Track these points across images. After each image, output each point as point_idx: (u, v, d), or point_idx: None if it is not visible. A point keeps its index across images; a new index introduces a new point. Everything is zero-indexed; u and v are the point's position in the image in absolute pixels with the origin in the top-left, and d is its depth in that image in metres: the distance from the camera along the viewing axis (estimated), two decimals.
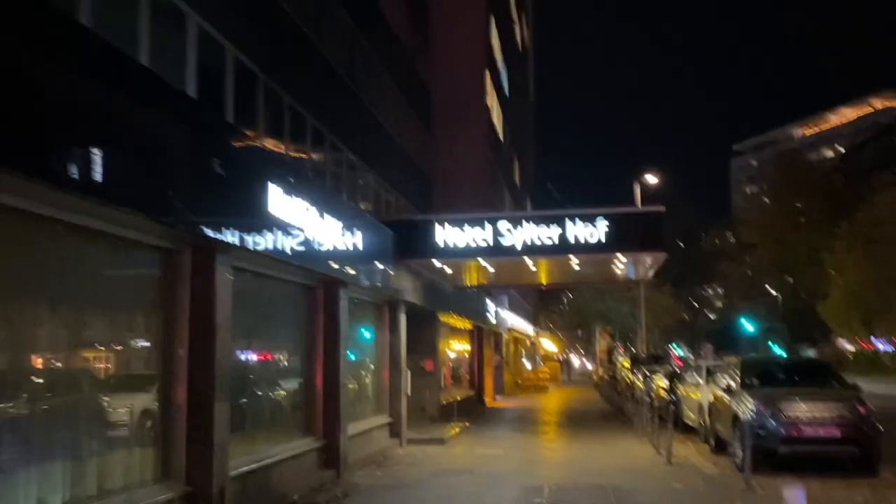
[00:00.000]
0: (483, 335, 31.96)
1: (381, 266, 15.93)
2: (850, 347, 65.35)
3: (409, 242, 16.32)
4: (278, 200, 9.80)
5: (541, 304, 69.51)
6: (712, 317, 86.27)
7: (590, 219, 15.89)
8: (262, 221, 9.43)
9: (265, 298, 11.36)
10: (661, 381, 26.20)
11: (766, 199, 76.74)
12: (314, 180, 13.62)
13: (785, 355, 55.10)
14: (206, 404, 8.37)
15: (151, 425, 8.33)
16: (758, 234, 70.63)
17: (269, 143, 13.16)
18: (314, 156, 16.47)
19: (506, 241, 16.07)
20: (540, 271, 19.90)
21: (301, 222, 10.59)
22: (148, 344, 8.47)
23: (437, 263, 17.41)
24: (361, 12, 20.31)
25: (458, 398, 25.60)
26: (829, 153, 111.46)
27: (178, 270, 8.42)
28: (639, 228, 15.92)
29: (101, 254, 7.60)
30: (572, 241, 15.85)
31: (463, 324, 27.81)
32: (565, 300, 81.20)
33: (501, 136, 43.12)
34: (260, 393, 11.29)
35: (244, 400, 10.62)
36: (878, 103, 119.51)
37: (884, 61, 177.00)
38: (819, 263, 59.74)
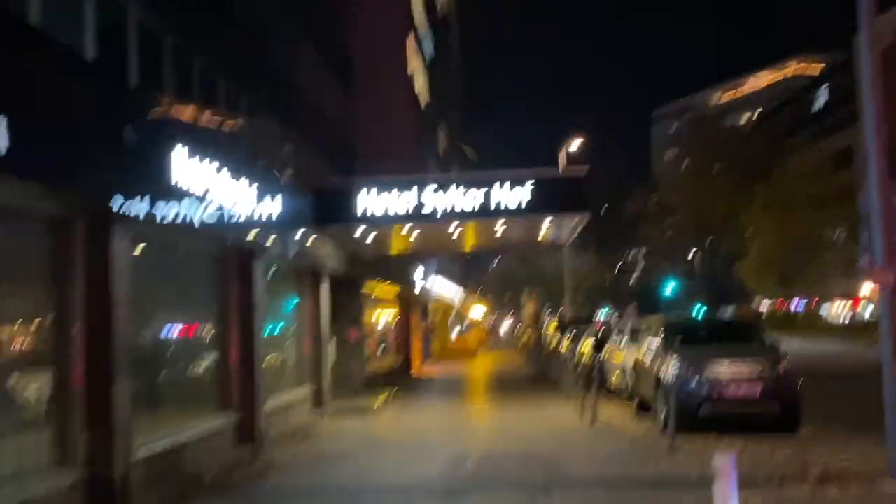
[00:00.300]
0: (410, 303, 31.64)
1: (300, 234, 15.37)
2: (766, 306, 67.41)
3: (330, 209, 15.72)
4: (183, 165, 9.15)
5: (469, 270, 69.58)
6: (634, 279, 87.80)
7: (517, 182, 15.58)
8: (165, 187, 8.80)
9: (173, 269, 10.75)
10: (587, 344, 26.37)
11: (685, 163, 78.09)
12: (224, 144, 12.89)
13: (701, 315, 56.55)
14: (104, 384, 7.81)
15: (47, 407, 7.73)
16: (677, 196, 71.96)
17: (174, 105, 12.41)
18: (227, 121, 15.72)
19: (428, 208, 15.64)
20: (464, 237, 19.56)
21: (209, 188, 9.97)
22: (41, 321, 7.82)
23: (358, 231, 16.89)
24: None
25: (386, 367, 25.31)
26: (746, 118, 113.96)
27: (70, 242, 7.77)
28: (563, 191, 15.67)
29: None
30: (495, 205, 15.53)
31: (389, 292, 27.42)
32: (492, 266, 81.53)
33: (426, 102, 42.59)
34: (170, 369, 10.71)
35: (152, 377, 10.04)
36: (794, 66, 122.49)
37: (801, 24, 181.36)
38: (737, 225, 61.19)
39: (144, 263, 9.47)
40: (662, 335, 15.33)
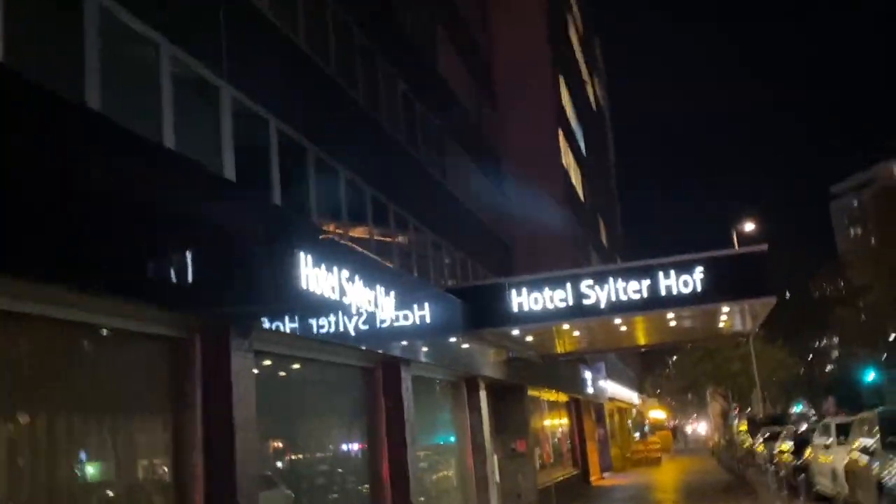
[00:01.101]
0: (581, 407, 29.78)
1: (451, 339, 14.42)
2: None
3: (481, 311, 14.75)
4: (310, 272, 8.44)
5: (644, 368, 66.31)
6: (830, 369, 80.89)
7: (683, 267, 14.04)
8: (291, 297, 8.09)
9: (308, 385, 9.99)
10: (785, 444, 23.50)
11: (874, 238, 72.29)
12: (358, 250, 12.30)
13: None
14: None
15: None
16: (869, 272, 66.15)
17: (309, 215, 11.99)
18: (377, 231, 15.32)
19: (589, 301, 14.33)
20: (633, 331, 17.97)
21: (343, 296, 9.21)
22: (159, 451, 7.13)
23: (514, 332, 15.76)
24: (417, 82, 19.37)
25: (560, 478, 23.51)
26: None
27: (186, 361, 7.11)
28: (740, 273, 13.94)
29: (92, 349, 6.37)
30: (664, 293, 14.01)
31: (557, 396, 25.83)
32: (670, 363, 77.46)
33: (582, 197, 41.54)
34: (310, 492, 9.79)
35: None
36: None
37: None
38: None
39: (274, 379, 8.73)
40: (879, 432, 12.97)
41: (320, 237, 9.14)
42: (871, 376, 61.55)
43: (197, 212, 7.08)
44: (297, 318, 8.57)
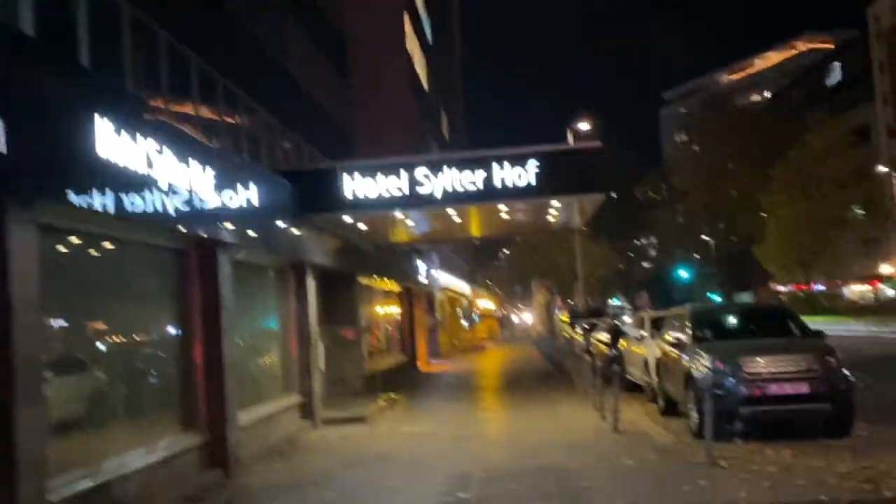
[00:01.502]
0: (413, 296, 29.98)
1: (280, 224, 13.70)
2: (784, 290, 65.42)
3: (313, 195, 14.05)
4: (111, 140, 7.45)
5: (476, 260, 67.88)
6: (647, 266, 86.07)
7: (519, 159, 13.85)
8: (83, 165, 7.11)
9: (115, 265, 9.08)
10: (602, 336, 24.69)
11: (696, 146, 76.13)
12: (174, 120, 11.21)
13: (719, 301, 54.73)
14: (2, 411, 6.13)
15: None
16: (689, 180, 70.01)
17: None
18: (204, 107, 14.08)
19: (424, 190, 13.93)
20: (467, 223, 17.86)
21: (152, 169, 8.27)
22: None
23: (348, 219, 15.21)
24: None
25: (388, 366, 23.66)
26: (757, 97, 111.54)
27: None
28: (573, 168, 13.93)
29: None
30: (499, 185, 13.82)
31: (389, 286, 25.75)
32: (502, 256, 79.81)
33: (426, 85, 40.84)
34: (113, 385, 9.02)
35: (88, 395, 8.39)
36: (803, 45, 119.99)
37: (807, 2, 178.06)
38: (752, 207, 59.18)
39: (67, 258, 7.81)
40: (690, 326, 13.59)
41: (125, 101, 8.08)
42: (683, 274, 65.98)
43: None
44: (98, 191, 7.59)
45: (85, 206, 7.55)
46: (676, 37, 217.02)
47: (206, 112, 14.49)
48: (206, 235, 10.39)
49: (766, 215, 56.66)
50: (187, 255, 10.53)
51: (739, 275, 70.41)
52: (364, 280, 21.04)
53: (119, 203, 8.07)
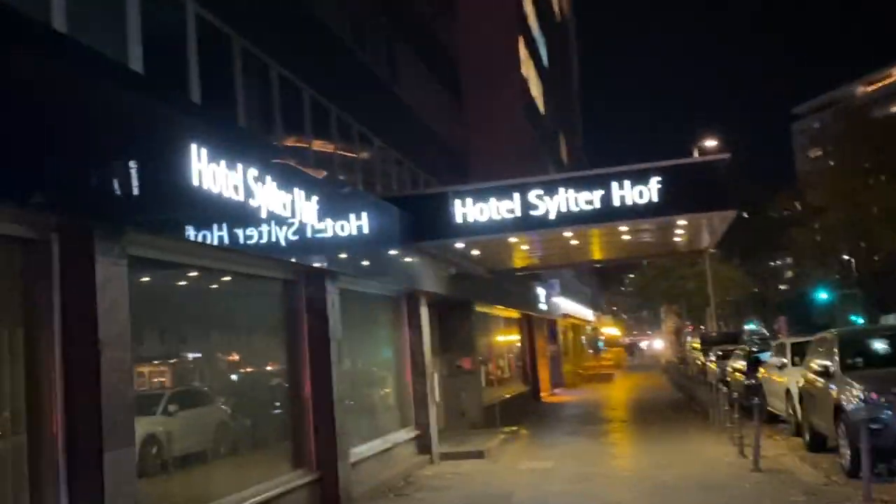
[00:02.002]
0: (534, 324, 29.18)
1: (391, 252, 13.35)
2: None
3: (422, 222, 13.68)
4: (204, 168, 7.22)
5: (601, 286, 66.32)
6: (783, 288, 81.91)
7: (639, 176, 13.03)
8: (177, 194, 6.89)
9: (217, 297, 8.88)
10: (738, 363, 23.13)
11: (832, 161, 72.03)
12: (287, 151, 11.04)
13: (863, 324, 51.12)
14: (90, 454, 5.87)
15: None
16: (826, 196, 66.08)
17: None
18: (318, 138, 14.01)
19: (538, 212, 13.30)
20: (586, 246, 17.05)
21: (249, 198, 8.02)
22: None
23: (459, 245, 14.72)
24: None
25: (508, 397, 22.95)
26: (892, 109, 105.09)
27: (41, 267, 5.93)
28: (699, 184, 12.96)
29: None
30: (619, 204, 13.02)
31: (508, 313, 25.08)
32: (627, 280, 77.69)
33: (542, 109, 40.20)
34: (222, 421, 8.79)
35: (193, 433, 8.15)
36: None
37: None
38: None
39: (158, 290, 7.62)
40: (838, 353, 12.28)
41: (224, 130, 7.86)
42: (823, 296, 62.20)
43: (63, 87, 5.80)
44: (195, 221, 7.37)
45: (190, 237, 7.34)
46: (804, 49, 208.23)
47: (318, 142, 14.41)
48: (313, 265, 10.07)
49: None
50: (295, 284, 10.25)
51: (884, 296, 65.77)
52: (481, 308, 20.48)
53: (221, 234, 7.84)
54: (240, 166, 7.78)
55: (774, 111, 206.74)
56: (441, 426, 17.89)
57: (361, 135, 16.93)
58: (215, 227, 7.72)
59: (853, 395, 10.91)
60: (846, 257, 68.06)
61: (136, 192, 6.28)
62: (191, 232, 7.37)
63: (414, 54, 21.85)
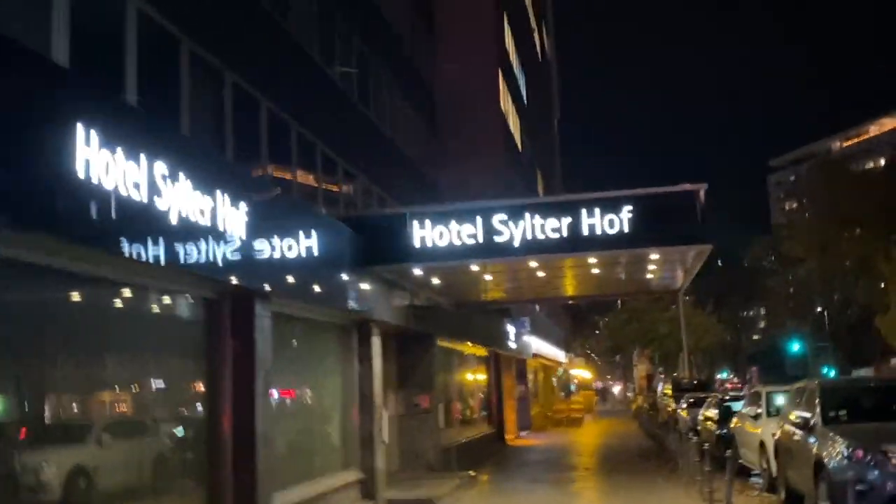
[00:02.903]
0: (501, 363, 28.02)
1: (343, 276, 12.28)
2: None
3: (377, 244, 12.64)
4: (93, 155, 6.11)
5: (573, 327, 65.33)
6: (756, 338, 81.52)
7: (610, 204, 12.11)
8: (51, 186, 5.78)
9: (113, 315, 7.70)
10: (709, 412, 22.08)
11: (808, 213, 72.00)
12: (187, 137, 9.90)
13: (834, 376, 50.39)
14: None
15: None
16: (802, 247, 65.85)
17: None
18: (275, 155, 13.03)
19: (501, 238, 12.30)
20: (553, 279, 16.05)
21: (154, 197, 6.92)
22: None
23: (416, 271, 13.66)
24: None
25: (470, 438, 21.75)
26: (871, 164, 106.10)
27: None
28: (674, 215, 12.04)
29: None
30: (587, 232, 12.06)
31: (474, 350, 23.94)
32: (600, 323, 76.87)
33: (519, 145, 39.47)
34: (122, 453, 7.57)
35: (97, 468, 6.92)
36: None
37: None
38: (872, 275, 54.82)
39: (58, 307, 6.48)
40: (819, 404, 11.27)
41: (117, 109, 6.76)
42: (796, 347, 61.66)
43: None
44: (84, 220, 6.25)
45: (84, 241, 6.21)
46: (780, 104, 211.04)
47: (275, 161, 13.41)
48: (238, 283, 8.95)
49: (885, 285, 52.24)
50: (217, 304, 9.09)
51: (857, 348, 65.32)
52: (444, 343, 19.34)
53: (127, 241, 6.71)
54: (143, 157, 6.69)
55: (750, 162, 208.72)
56: (395, 468, 16.67)
57: (324, 154, 15.95)
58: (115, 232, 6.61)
59: (837, 452, 9.88)
60: (819, 309, 67.70)
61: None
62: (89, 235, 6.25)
63: (389, 75, 21.01)
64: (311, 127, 14.83)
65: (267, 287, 9.55)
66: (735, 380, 63.59)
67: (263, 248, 9.58)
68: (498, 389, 27.34)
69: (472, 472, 17.42)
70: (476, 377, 25.14)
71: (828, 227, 63.25)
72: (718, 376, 66.75)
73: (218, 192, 8.03)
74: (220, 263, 8.39)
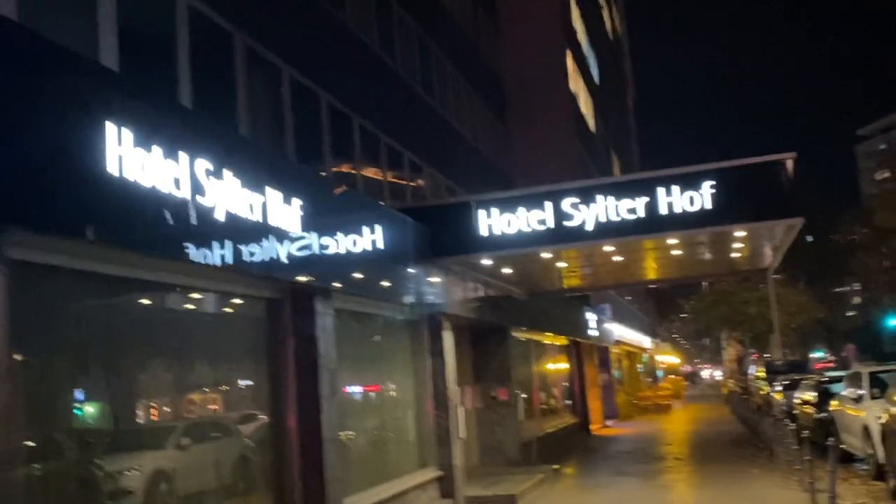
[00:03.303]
0: (583, 351, 27.26)
1: (409, 270, 11.87)
2: None
3: (442, 235, 12.16)
4: (127, 153, 5.79)
5: (658, 311, 63.77)
6: (851, 315, 78.12)
7: (690, 180, 11.34)
8: (83, 185, 5.48)
9: (163, 318, 7.43)
10: (807, 395, 20.91)
11: None
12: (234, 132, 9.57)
13: None
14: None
15: None
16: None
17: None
18: (328, 144, 12.73)
19: (573, 222, 11.66)
20: (633, 263, 15.29)
21: (197, 195, 6.59)
22: None
23: (485, 261, 13.13)
24: None
25: (552, 429, 21.15)
26: None
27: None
28: (760, 188, 11.17)
29: None
30: (666, 212, 11.32)
31: (552, 339, 23.28)
32: (686, 306, 74.90)
33: (592, 126, 38.47)
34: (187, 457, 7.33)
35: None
36: None
37: None
38: None
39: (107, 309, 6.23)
40: None
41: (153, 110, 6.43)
42: (893, 322, 58.85)
43: None
44: (121, 222, 5.94)
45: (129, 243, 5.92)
46: (869, 71, 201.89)
47: (338, 157, 13.11)
48: (299, 279, 8.59)
49: None
50: (281, 304, 8.76)
51: None
52: (520, 334, 18.77)
53: (170, 239, 6.40)
54: (182, 154, 6.35)
55: (837, 133, 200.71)
56: (475, 463, 16.23)
57: (388, 146, 15.60)
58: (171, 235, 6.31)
59: None
60: None
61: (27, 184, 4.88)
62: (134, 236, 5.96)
63: (452, 62, 20.52)
64: (372, 118, 14.49)
65: (329, 284, 9.18)
66: (832, 359, 60.97)
67: (325, 244, 9.23)
68: (580, 378, 26.61)
69: (555, 466, 16.84)
70: (557, 367, 24.49)
71: None
72: (812, 355, 64.14)
73: (267, 188, 7.66)
74: (281, 261, 8.06)
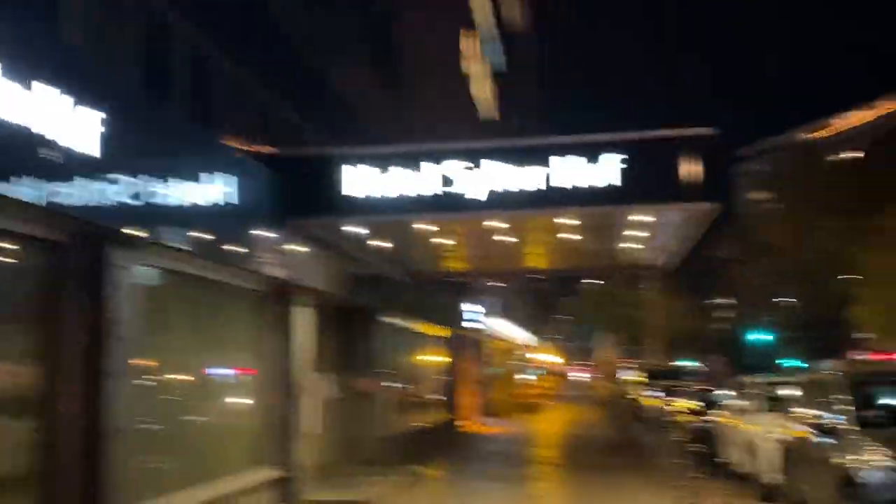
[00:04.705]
0: (459, 344, 25.66)
1: (257, 229, 9.85)
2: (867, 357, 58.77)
3: (298, 192, 10.19)
4: None
5: (540, 308, 63.35)
6: (720, 328, 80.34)
7: (595, 150, 9.79)
8: None
9: None
10: (691, 403, 19.90)
11: (780, 203, 70.63)
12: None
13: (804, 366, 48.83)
14: None
15: None
16: (772, 237, 64.40)
17: None
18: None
19: (454, 188, 9.93)
20: (521, 245, 13.61)
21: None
22: None
23: (348, 227, 11.23)
24: None
25: (420, 425, 19.44)
26: (843, 155, 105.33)
27: None
28: (672, 166, 9.68)
29: None
30: (564, 185, 9.74)
31: (426, 328, 21.55)
32: (568, 305, 75.22)
33: (497, 114, 37.11)
34: None
35: None
36: (885, 107, 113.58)
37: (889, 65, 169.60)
38: (846, 265, 53.32)
39: None
40: (851, 401, 9.06)
41: None
42: (762, 337, 60.30)
43: None
44: None
45: None
46: (749, 93, 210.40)
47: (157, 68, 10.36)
48: (89, 221, 6.46)
49: (860, 276, 50.70)
50: (66, 252, 6.58)
51: (825, 340, 64.14)
52: (392, 319, 16.92)
53: None
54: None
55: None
56: (330, 461, 14.27)
57: (232, 74, 12.81)
58: None
59: (879, 465, 7.70)
60: (790, 300, 66.32)
61: None
62: None
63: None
64: (209, 35, 11.41)
65: (135, 232, 7.07)
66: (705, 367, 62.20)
67: (137, 181, 7.15)
68: (453, 372, 25.02)
69: (419, 467, 15.11)
70: (430, 358, 22.78)
71: (800, 217, 61.79)
72: (685, 364, 65.29)
73: (38, 83, 5.51)
74: (60, 191, 5.94)
